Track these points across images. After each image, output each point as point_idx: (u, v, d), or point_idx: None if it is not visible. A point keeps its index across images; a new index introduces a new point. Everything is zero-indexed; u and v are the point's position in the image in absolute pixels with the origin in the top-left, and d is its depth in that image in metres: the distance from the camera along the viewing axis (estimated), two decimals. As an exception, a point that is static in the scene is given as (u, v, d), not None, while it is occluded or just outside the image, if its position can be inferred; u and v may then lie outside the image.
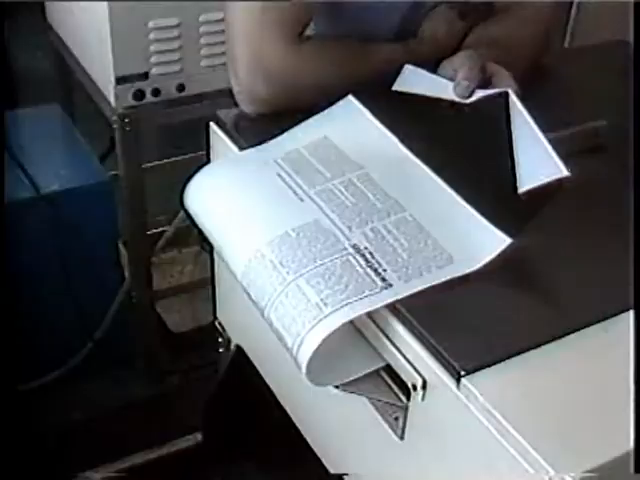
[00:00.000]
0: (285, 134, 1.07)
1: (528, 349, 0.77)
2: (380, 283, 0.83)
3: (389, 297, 0.82)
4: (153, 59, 1.95)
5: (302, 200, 0.95)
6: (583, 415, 0.73)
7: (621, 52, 1.44)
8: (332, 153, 1.03)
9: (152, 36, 1.91)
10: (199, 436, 1.46)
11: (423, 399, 0.80)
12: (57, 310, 2.15)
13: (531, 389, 0.75)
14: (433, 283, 0.84)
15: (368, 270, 0.85)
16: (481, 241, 0.89)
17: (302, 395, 1.07)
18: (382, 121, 1.07)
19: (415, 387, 0.80)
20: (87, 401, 2.25)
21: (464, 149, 1.07)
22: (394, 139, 1.05)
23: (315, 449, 1.07)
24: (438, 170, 0.99)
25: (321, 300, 0.82)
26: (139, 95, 1.96)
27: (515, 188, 1.00)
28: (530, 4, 1.30)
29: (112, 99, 1.96)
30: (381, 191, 0.96)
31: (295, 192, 0.96)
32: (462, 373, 0.74)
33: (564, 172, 0.96)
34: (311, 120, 1.09)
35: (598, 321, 0.81)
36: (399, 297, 0.82)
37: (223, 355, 1.30)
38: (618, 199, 0.98)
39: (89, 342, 2.26)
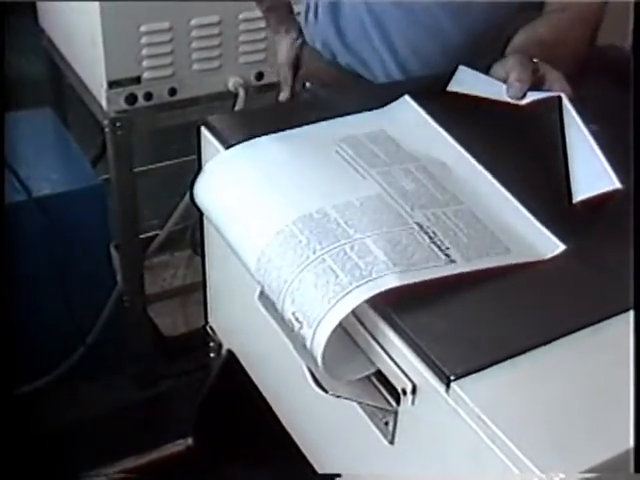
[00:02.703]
0: (338, 120, 1.09)
1: (517, 354, 0.77)
2: (444, 258, 0.85)
3: (453, 270, 0.84)
4: (145, 63, 1.95)
5: (364, 177, 0.96)
6: (573, 419, 0.73)
7: (613, 56, 1.44)
8: (390, 144, 1.05)
9: (144, 40, 1.91)
10: (190, 440, 1.45)
11: (413, 404, 0.80)
12: (49, 314, 2.14)
13: (521, 394, 0.75)
14: (493, 265, 0.86)
15: (432, 246, 0.86)
16: (535, 244, 0.91)
17: (293, 400, 1.07)
18: (437, 121, 1.09)
19: (405, 392, 0.80)
20: (78, 405, 2.25)
21: (518, 150, 1.09)
22: (449, 138, 1.06)
23: (306, 454, 1.07)
24: (492, 170, 1.01)
25: (389, 260, 0.82)
26: (131, 99, 1.97)
27: (569, 195, 1.01)
28: (578, 5, 1.32)
29: (104, 103, 1.96)
30: (438, 184, 0.98)
31: (356, 169, 0.97)
32: (452, 378, 0.74)
33: (616, 184, 0.97)
34: (367, 114, 1.11)
35: (588, 325, 0.81)
36: (462, 271, 0.84)
37: (214, 360, 1.30)
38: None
39: (81, 346, 2.25)
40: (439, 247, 0.86)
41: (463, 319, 0.82)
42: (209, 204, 1.01)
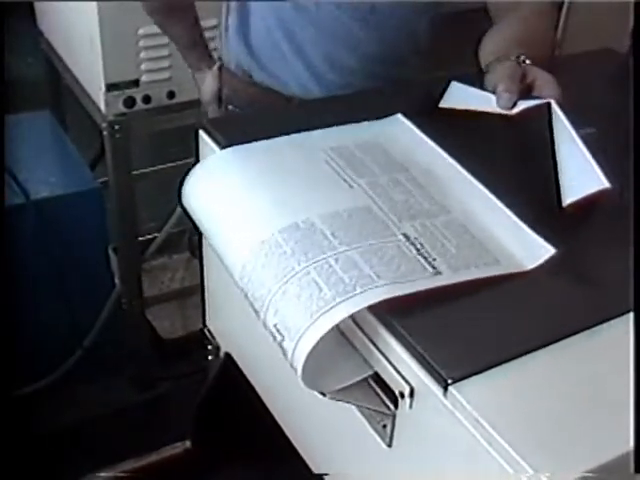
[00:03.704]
0: (328, 130, 1.09)
1: (515, 357, 0.77)
2: (430, 270, 0.85)
3: (439, 282, 0.83)
4: (143, 66, 1.95)
5: (352, 187, 0.96)
6: (570, 422, 0.73)
7: (609, 60, 1.45)
8: (380, 154, 1.05)
9: (142, 43, 1.91)
10: (189, 443, 1.45)
11: (411, 407, 0.81)
12: (48, 316, 2.15)
13: (518, 397, 0.75)
14: (481, 276, 0.86)
15: (419, 257, 0.86)
16: (526, 249, 0.91)
17: (291, 402, 1.07)
18: (429, 136, 1.09)
19: (403, 395, 0.80)
20: (77, 408, 2.25)
21: (509, 159, 1.10)
22: (439, 150, 1.07)
23: (304, 456, 1.07)
24: (482, 179, 1.01)
25: (374, 273, 0.82)
26: (129, 102, 1.97)
27: (558, 199, 1.01)
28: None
29: (102, 106, 1.96)
30: (427, 194, 0.98)
31: (344, 179, 0.97)
32: (449, 381, 0.74)
33: (605, 184, 0.97)
34: (358, 125, 1.12)
35: (584, 329, 0.81)
36: (448, 283, 0.84)
37: (212, 362, 1.30)
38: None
39: (80, 348, 2.25)
40: (425, 258, 0.86)
41: (461, 322, 0.82)
42: (196, 208, 1.01)
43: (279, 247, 0.86)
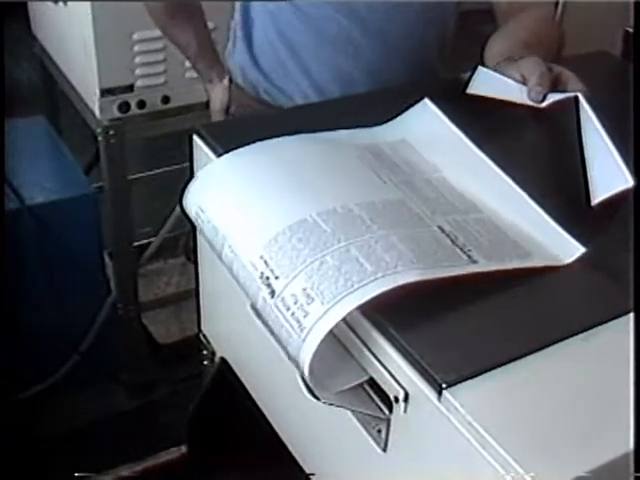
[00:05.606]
0: (359, 130, 1.09)
1: (509, 361, 0.77)
2: (466, 258, 0.85)
3: (475, 269, 0.84)
4: (138, 71, 1.95)
5: (385, 182, 0.96)
6: (565, 426, 0.73)
7: (603, 62, 1.45)
8: (410, 154, 1.05)
9: (137, 48, 1.91)
10: (184, 448, 1.45)
11: (405, 411, 0.80)
12: (43, 322, 2.14)
13: (512, 401, 0.75)
14: (515, 267, 0.87)
15: (454, 247, 0.87)
16: (556, 247, 0.92)
17: (286, 407, 1.07)
18: (457, 124, 1.09)
19: (397, 399, 0.80)
20: (72, 413, 2.25)
21: (538, 153, 1.11)
22: (469, 143, 1.06)
23: (299, 461, 1.07)
24: (513, 175, 1.01)
25: (414, 255, 0.83)
26: (124, 107, 1.97)
27: (587, 197, 1.02)
28: (538, 4, 1.37)
29: (97, 111, 1.97)
30: (459, 194, 0.98)
31: (379, 175, 0.98)
32: (443, 385, 0.74)
33: (630, 182, 0.97)
34: (389, 123, 1.12)
35: (578, 332, 0.81)
36: (484, 270, 0.84)
37: (208, 367, 1.30)
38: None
39: (75, 354, 2.25)
40: (461, 249, 0.87)
41: (455, 327, 0.82)
42: (214, 195, 0.97)
43: (318, 226, 0.86)
